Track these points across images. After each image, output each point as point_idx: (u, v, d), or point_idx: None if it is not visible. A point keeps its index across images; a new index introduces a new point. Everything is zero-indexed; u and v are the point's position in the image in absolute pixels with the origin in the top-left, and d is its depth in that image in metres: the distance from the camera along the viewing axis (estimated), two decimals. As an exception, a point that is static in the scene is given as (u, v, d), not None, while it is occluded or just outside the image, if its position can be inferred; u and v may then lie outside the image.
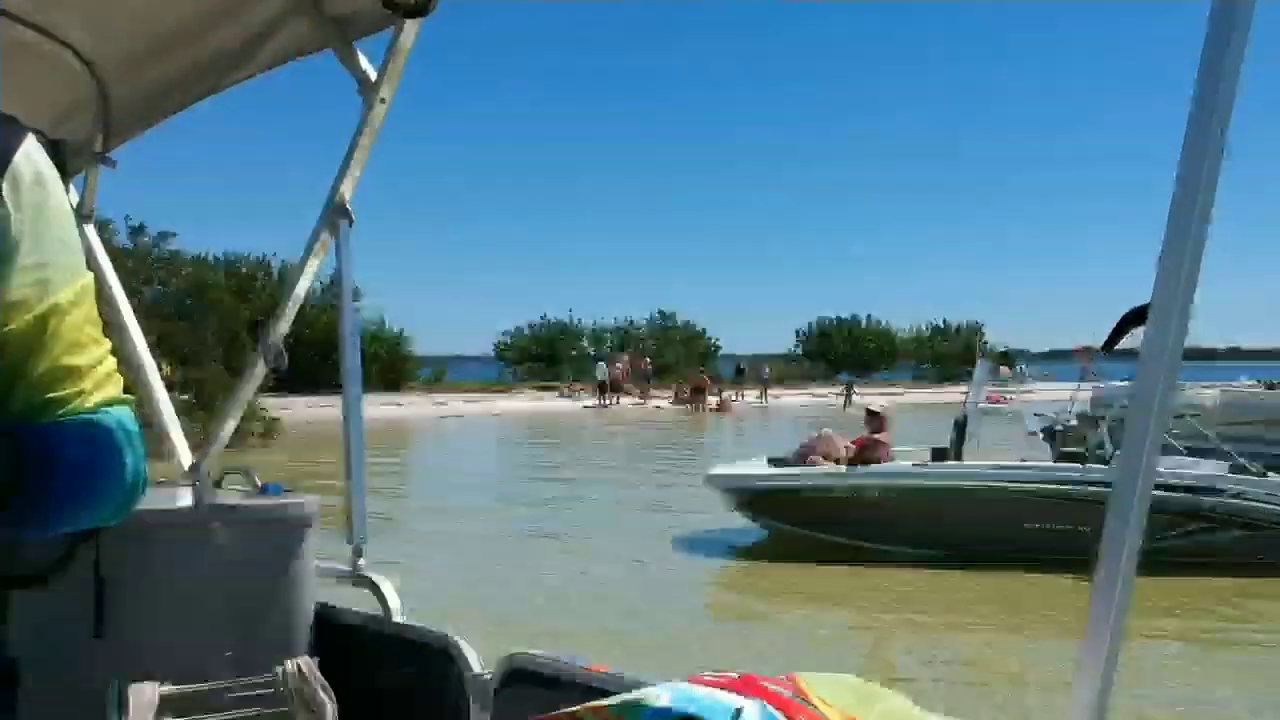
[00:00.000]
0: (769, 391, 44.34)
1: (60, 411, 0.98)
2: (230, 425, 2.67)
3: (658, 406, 39.67)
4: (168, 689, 2.02)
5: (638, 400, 40.71)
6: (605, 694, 1.69)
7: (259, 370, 2.55)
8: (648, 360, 44.55)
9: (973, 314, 66.54)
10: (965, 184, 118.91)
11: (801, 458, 12.05)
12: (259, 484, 2.58)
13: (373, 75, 2.23)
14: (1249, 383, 22.59)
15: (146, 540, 2.22)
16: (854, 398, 40.53)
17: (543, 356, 51.40)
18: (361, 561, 2.41)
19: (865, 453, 11.71)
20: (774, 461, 12.25)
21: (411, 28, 2.16)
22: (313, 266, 2.45)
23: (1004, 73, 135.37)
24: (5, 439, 0.90)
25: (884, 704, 1.18)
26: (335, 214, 2.36)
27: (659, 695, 1.12)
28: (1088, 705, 1.15)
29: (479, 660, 2.07)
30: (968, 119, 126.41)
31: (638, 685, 1.65)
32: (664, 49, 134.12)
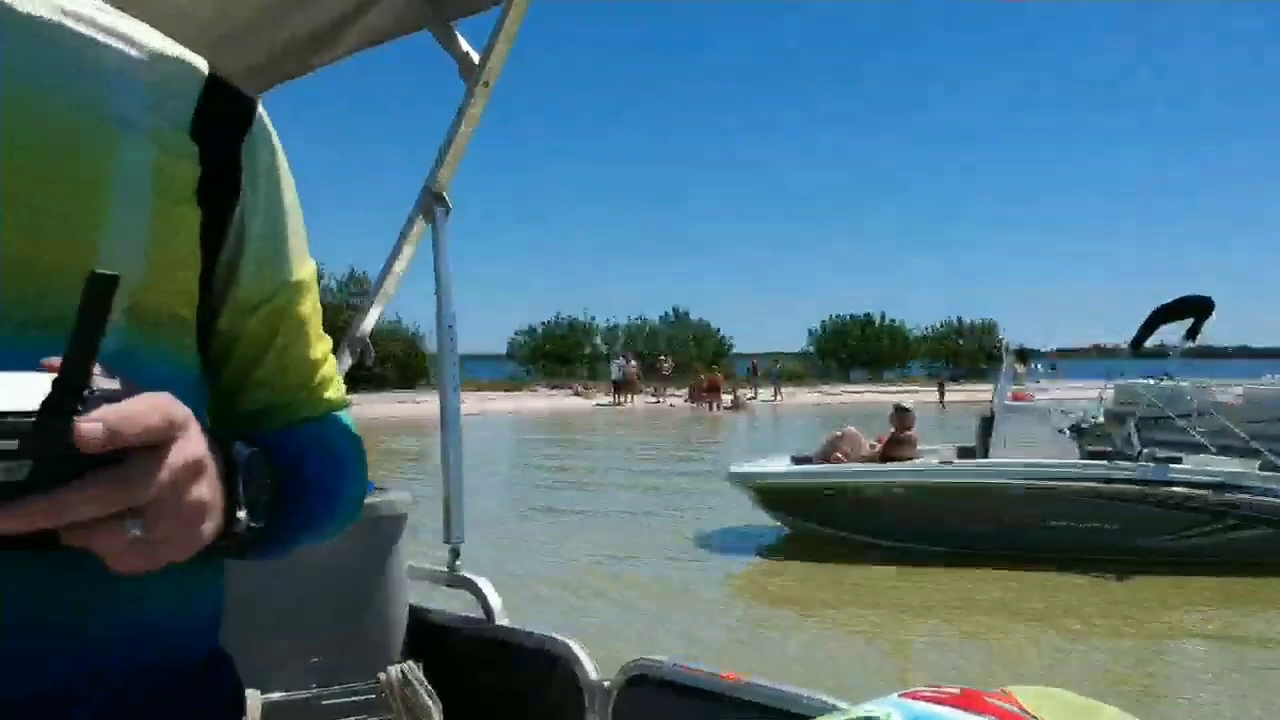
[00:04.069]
0: (782, 390, 44.20)
1: (304, 415, 0.85)
2: None
3: (672, 405, 39.52)
4: (273, 696, 1.94)
5: (652, 399, 40.60)
6: (735, 703, 1.61)
7: (343, 366, 2.42)
8: (664, 357, 44.38)
9: (987, 313, 65.98)
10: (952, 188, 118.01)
11: (825, 455, 12.02)
12: None
13: (475, 57, 2.16)
14: (1273, 379, 22.29)
15: None
16: (947, 394, 39.56)
17: (556, 354, 51.49)
18: (458, 563, 2.27)
19: (893, 450, 11.68)
20: (797, 460, 12.24)
21: (519, 6, 2.08)
22: (405, 257, 2.35)
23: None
24: (260, 453, 0.73)
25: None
26: (432, 201, 2.29)
27: (889, 713, 1.13)
28: None
29: (594, 665, 1.94)
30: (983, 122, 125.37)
31: (775, 693, 1.57)
32: (682, 50, 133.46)
